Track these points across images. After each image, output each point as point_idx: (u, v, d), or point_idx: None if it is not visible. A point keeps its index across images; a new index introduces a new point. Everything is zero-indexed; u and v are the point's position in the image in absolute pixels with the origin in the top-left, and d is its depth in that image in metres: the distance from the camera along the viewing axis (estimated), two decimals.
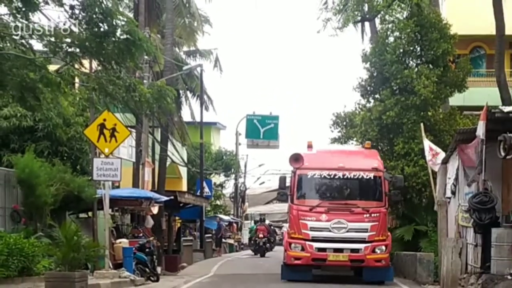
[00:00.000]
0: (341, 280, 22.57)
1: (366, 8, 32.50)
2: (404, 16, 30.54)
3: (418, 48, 27.65)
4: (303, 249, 21.90)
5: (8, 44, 14.07)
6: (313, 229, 21.86)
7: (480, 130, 17.79)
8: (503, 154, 17.38)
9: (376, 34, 31.63)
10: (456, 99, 29.66)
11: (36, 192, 19.62)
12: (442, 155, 23.11)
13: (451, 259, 19.87)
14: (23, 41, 14.26)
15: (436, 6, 30.74)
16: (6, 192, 19.73)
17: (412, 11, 28.21)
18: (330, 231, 21.76)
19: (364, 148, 25.34)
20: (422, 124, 25.02)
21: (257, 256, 39.86)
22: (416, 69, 27.27)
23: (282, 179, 24.09)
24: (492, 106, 18.73)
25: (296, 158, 22.43)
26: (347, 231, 21.75)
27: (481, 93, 29.16)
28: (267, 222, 46.15)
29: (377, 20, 32.31)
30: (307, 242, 21.83)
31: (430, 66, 27.23)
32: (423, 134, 24.26)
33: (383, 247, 22.04)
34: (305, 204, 22.43)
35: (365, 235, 21.81)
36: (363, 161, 23.32)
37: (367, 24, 34.27)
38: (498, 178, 19.10)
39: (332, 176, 22.54)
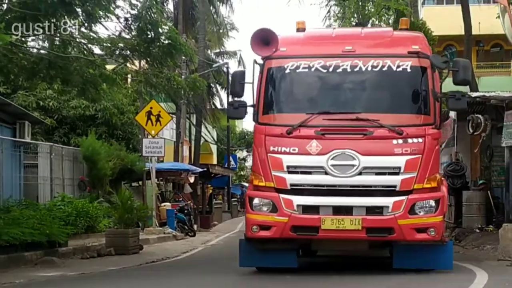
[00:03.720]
0: (346, 266, 11.27)
1: (358, 15, 32.36)
2: (391, 21, 30.34)
3: None
4: (274, 209, 9.70)
5: (75, 49, 14.15)
6: (292, 169, 9.76)
7: (453, 112, 17.68)
8: (471, 131, 17.27)
9: None
10: None
11: (98, 166, 19.72)
12: None
13: None
14: (85, 46, 14.34)
15: (415, 12, 30.47)
16: (74, 167, 19.85)
17: (397, 17, 27.96)
18: (326, 173, 9.63)
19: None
20: None
21: None
22: None
23: (237, 76, 10.44)
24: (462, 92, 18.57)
25: (263, 38, 10.02)
26: (360, 173, 9.62)
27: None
28: None
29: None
30: (282, 195, 9.68)
31: None
32: None
33: (432, 203, 9.68)
34: (279, 123, 10.01)
35: (395, 179, 9.61)
36: (392, 42, 10.66)
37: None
38: (467, 150, 19.03)
39: (330, 69, 10.05)
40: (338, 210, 9.65)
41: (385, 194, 9.64)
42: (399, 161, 9.63)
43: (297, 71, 10.16)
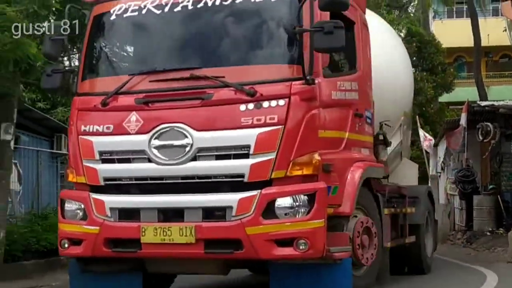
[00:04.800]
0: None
1: None
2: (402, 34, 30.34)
3: (415, 59, 27.34)
4: (84, 216, 6.34)
5: None
6: (106, 155, 6.36)
7: (463, 120, 17.61)
8: (481, 138, 17.20)
9: None
10: (444, 97, 29.38)
11: None
12: (433, 141, 22.93)
13: (442, 220, 19.76)
14: None
15: (427, 25, 30.43)
16: None
17: (408, 31, 27.93)
18: (149, 159, 6.16)
19: None
20: (417, 117, 24.83)
21: None
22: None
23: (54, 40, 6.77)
24: (472, 101, 18.52)
25: None
26: (194, 158, 6.02)
27: (463, 92, 28.76)
28: None
29: None
30: (94, 195, 6.32)
31: (424, 73, 26.94)
32: (419, 125, 24.07)
33: (303, 199, 5.78)
34: (97, 91, 6.61)
35: (242, 165, 5.90)
36: None
37: None
38: (477, 157, 18.93)
39: (166, 9, 6.50)
40: (166, 215, 6.17)
41: (229, 189, 5.98)
42: (248, 136, 5.92)
43: (124, 16, 6.69)
